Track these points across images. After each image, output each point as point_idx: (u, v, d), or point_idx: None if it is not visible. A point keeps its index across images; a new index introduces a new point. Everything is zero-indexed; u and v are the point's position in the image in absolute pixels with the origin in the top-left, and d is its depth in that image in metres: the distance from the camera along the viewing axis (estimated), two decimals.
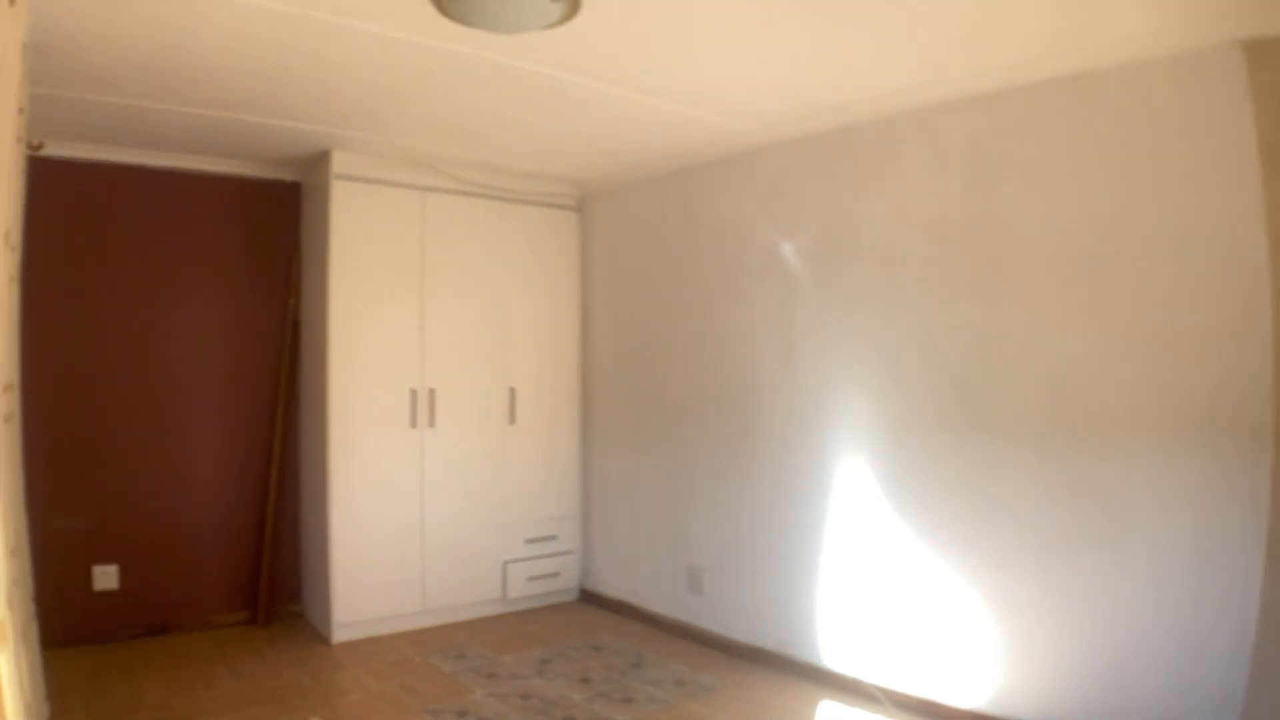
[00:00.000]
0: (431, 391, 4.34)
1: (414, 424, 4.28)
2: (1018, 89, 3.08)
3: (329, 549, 4.05)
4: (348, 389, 4.08)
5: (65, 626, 3.83)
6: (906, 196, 3.46)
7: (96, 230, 4.06)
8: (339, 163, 4.11)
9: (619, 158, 4.36)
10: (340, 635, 4.10)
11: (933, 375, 3.35)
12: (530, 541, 4.77)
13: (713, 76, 3.17)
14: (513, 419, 4.68)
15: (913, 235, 3.43)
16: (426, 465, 4.34)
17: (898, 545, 3.44)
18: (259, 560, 4.39)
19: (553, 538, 4.87)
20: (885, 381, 3.51)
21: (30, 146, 3.29)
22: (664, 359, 4.55)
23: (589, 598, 4.99)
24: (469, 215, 4.54)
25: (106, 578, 4.04)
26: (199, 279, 4.28)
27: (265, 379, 4.42)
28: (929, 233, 3.38)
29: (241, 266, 4.38)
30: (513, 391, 4.67)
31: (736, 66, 3.07)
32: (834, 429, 3.70)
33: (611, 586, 4.87)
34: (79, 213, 4.02)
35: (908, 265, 3.45)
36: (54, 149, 3.79)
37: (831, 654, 3.70)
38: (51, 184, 3.79)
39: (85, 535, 3.99)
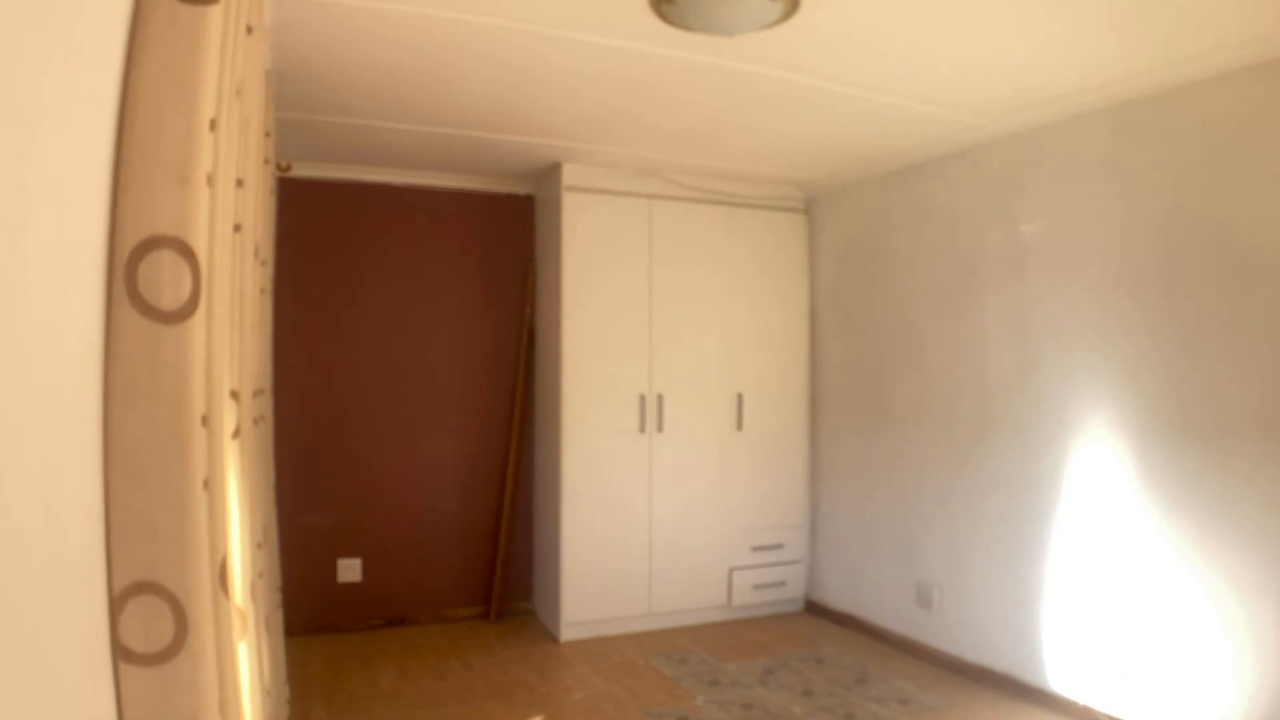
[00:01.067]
0: (660, 397, 4.37)
1: (642, 429, 4.32)
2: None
3: (560, 550, 4.18)
4: (580, 395, 4.20)
5: (310, 615, 4.21)
6: (1142, 191, 3.10)
7: (343, 245, 4.45)
8: (569, 175, 4.24)
9: (844, 157, 4.20)
10: (568, 634, 4.22)
11: (1179, 381, 2.96)
12: (756, 549, 4.69)
13: (937, 69, 2.98)
14: (740, 425, 4.62)
15: (1150, 231, 3.10)
16: (655, 470, 4.37)
17: (1145, 563, 3.06)
18: (493, 558, 4.62)
19: (779, 546, 4.76)
20: (1130, 386, 3.13)
21: (279, 168, 3.64)
22: (895, 363, 4.31)
23: (814, 608, 4.84)
24: (695, 222, 4.53)
25: (350, 570, 4.39)
26: (439, 290, 4.57)
27: (502, 385, 4.65)
28: (1166, 228, 3.04)
29: (480, 277, 4.63)
30: (740, 398, 4.61)
31: (960, 57, 2.88)
32: (1076, 437, 3.35)
33: (837, 598, 4.70)
34: (326, 229, 4.42)
35: (1149, 262, 3.09)
36: (301, 170, 4.19)
37: (1064, 679, 3.39)
38: (300, 202, 4.21)
39: (331, 531, 4.37)
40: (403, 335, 4.50)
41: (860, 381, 4.57)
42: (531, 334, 4.64)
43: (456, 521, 4.58)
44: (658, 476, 4.39)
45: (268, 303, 2.78)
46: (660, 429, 4.37)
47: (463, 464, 4.59)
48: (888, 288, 4.37)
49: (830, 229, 4.81)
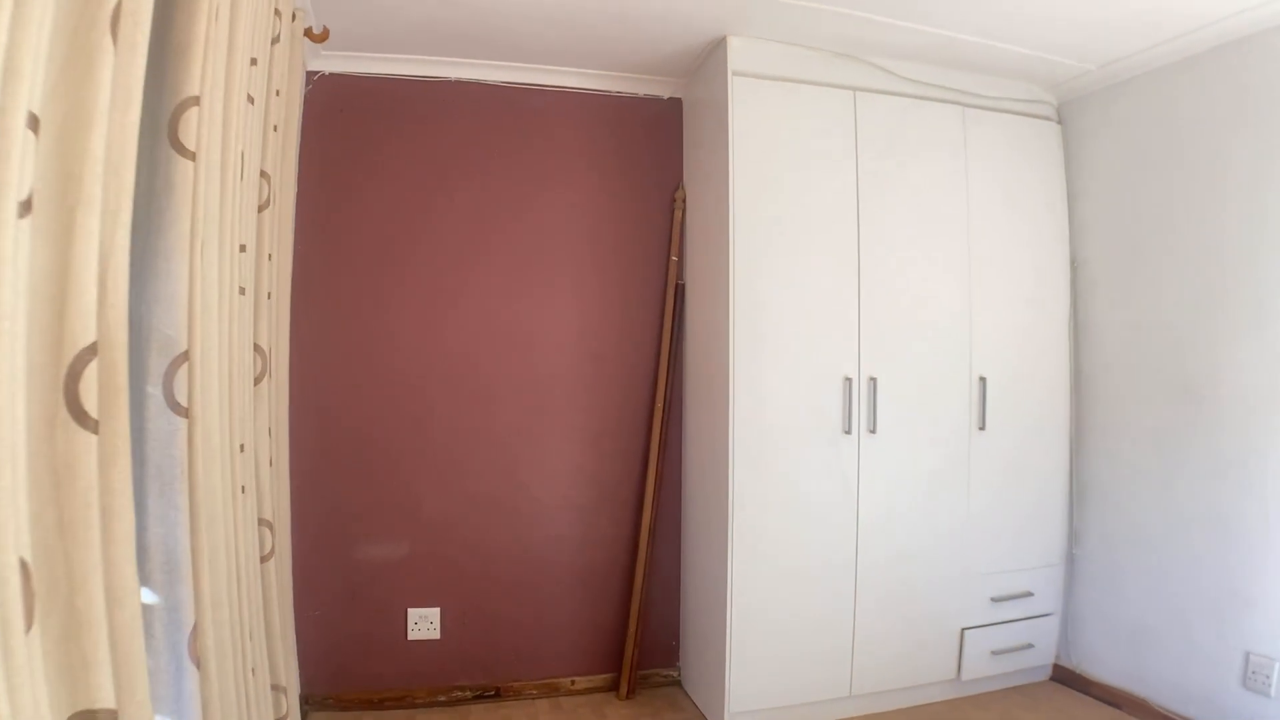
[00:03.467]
0: (872, 382, 2.96)
1: (848, 428, 2.93)
2: None
3: (726, 603, 2.83)
4: (756, 379, 2.82)
5: (372, 682, 2.99)
6: None
7: (408, 173, 3.12)
8: (737, 55, 2.87)
9: (1120, 32, 2.73)
10: None
11: None
12: (997, 601, 3.27)
13: None
14: (982, 423, 3.18)
15: None
16: (863, 488, 2.98)
17: None
18: (625, 611, 3.28)
19: (1026, 595, 3.33)
20: None
21: (310, 36, 2.47)
22: (1216, 331, 2.86)
23: (1068, 678, 3.42)
24: (917, 127, 3.11)
25: (425, 624, 3.12)
26: (544, 236, 3.22)
27: (637, 367, 3.28)
28: None
29: (602, 216, 3.27)
30: (982, 383, 3.18)
31: None
32: None
33: (1105, 667, 3.27)
34: (378, 148, 3.09)
35: None
36: (337, 59, 2.88)
37: None
38: (341, 107, 2.91)
39: (398, 568, 3.08)
40: (492, 301, 3.17)
41: (1154, 358, 3.11)
42: (680, 292, 3.25)
43: (573, 557, 3.25)
44: (868, 497, 2.99)
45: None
46: (873, 428, 2.96)
47: (582, 478, 3.25)
48: (1200, 220, 2.91)
49: (1099, 142, 3.33)
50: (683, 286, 3.22)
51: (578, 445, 3.22)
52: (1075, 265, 3.41)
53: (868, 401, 2.96)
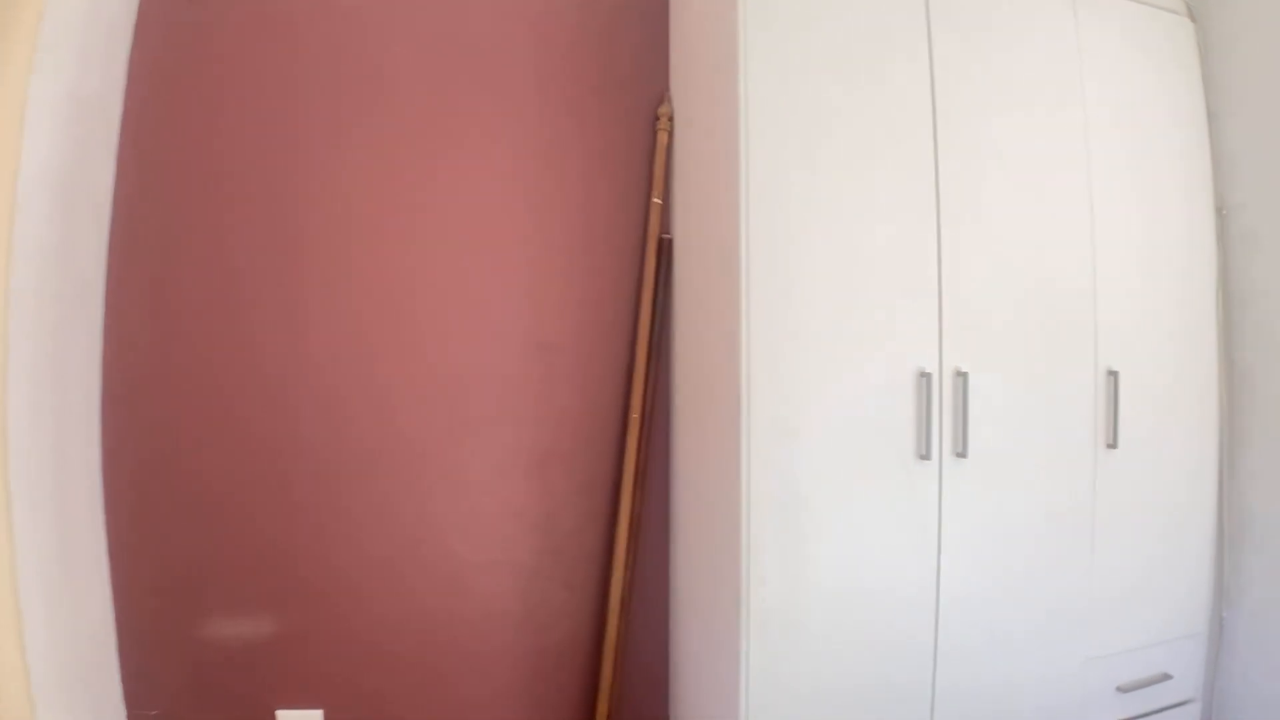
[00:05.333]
0: (961, 379, 1.95)
1: (925, 451, 1.91)
2: None
3: (739, 699, 1.79)
4: (781, 377, 1.80)
5: None
6: None
7: (278, 97, 2.09)
8: None
9: None
10: None
11: None
12: (1125, 691, 2.26)
13: None
14: (1113, 439, 2.18)
15: None
16: (946, 538, 1.96)
17: None
18: (593, 703, 2.24)
19: (1163, 679, 2.33)
20: None
21: None
22: None
23: None
24: (1015, 16, 2.09)
25: None
26: (477, 177, 2.16)
27: (603, 360, 2.23)
28: None
29: (556, 143, 2.20)
30: (1112, 379, 2.18)
31: None
32: None
33: None
34: (240, 66, 2.07)
35: None
36: None
37: None
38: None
39: (265, 655, 2.08)
40: (395, 273, 2.13)
41: None
42: (665, 250, 2.21)
43: (512, 639, 2.22)
44: (952, 551, 1.98)
45: None
46: (962, 450, 1.95)
47: (523, 523, 2.21)
48: None
49: (1252, 43, 2.35)
50: (668, 241, 2.18)
51: (517, 476, 2.18)
52: (1222, 213, 2.41)
53: (954, 408, 1.94)
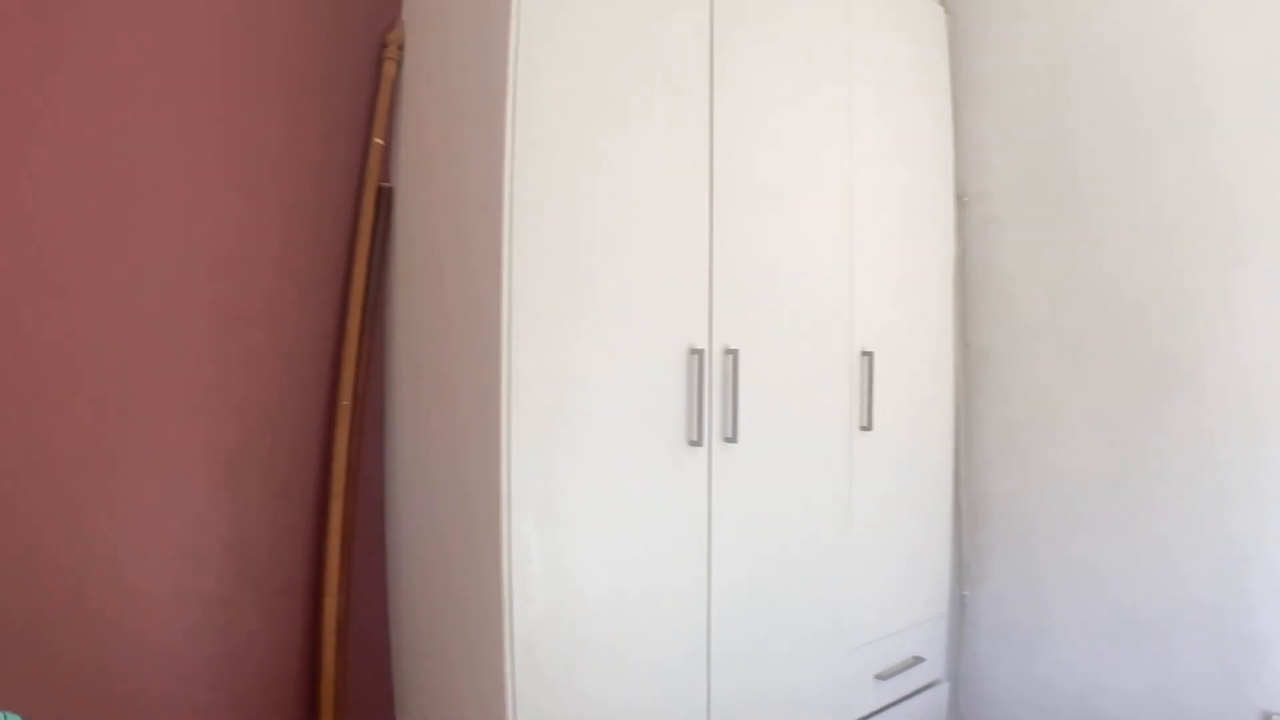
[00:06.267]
0: (733, 355, 1.77)
1: (696, 436, 1.71)
2: None
3: None
4: (550, 354, 1.50)
5: None
6: None
7: None
8: None
9: None
10: None
11: None
12: (883, 678, 2.22)
13: None
14: (867, 420, 2.11)
15: None
16: (717, 532, 1.78)
17: None
18: None
19: (916, 662, 2.32)
20: None
21: None
22: (1195, 294, 2.09)
23: None
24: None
25: None
26: (135, 93, 1.66)
27: (309, 335, 1.80)
28: None
29: (244, 63, 1.74)
30: (866, 361, 2.11)
31: None
32: None
33: None
34: None
35: None
36: None
37: None
38: None
39: None
40: (30, 215, 1.57)
41: (1100, 331, 2.24)
42: (384, 200, 1.82)
43: (207, 685, 1.73)
44: (724, 548, 1.80)
45: None
46: (733, 434, 1.77)
47: (209, 541, 1.73)
48: (1160, 139, 2.16)
49: (1008, 34, 2.43)
50: (389, 191, 1.81)
51: (199, 481, 1.71)
52: (962, 201, 2.46)
53: (724, 390, 1.76)
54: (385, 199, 1.77)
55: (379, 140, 1.76)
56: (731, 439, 1.77)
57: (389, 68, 1.79)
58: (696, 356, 1.70)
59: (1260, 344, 2.06)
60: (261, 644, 1.72)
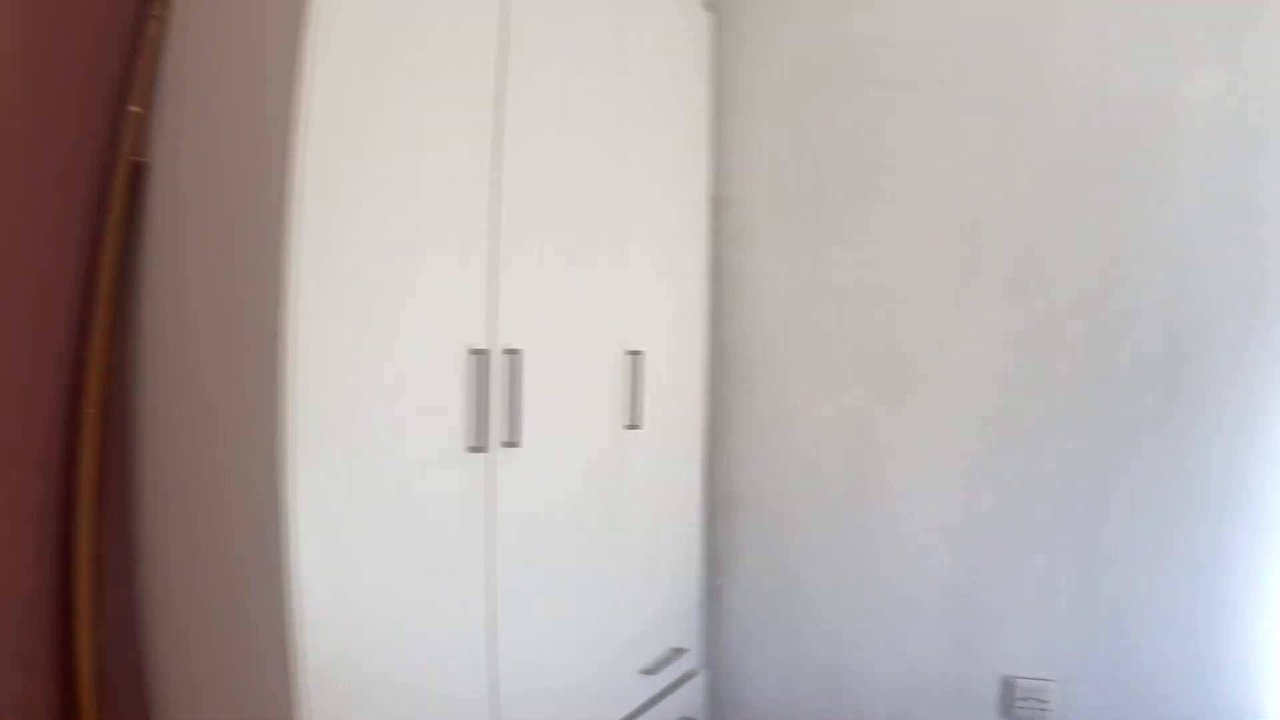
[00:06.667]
0: (513, 358, 1.70)
1: (479, 440, 1.63)
2: None
3: None
4: (333, 356, 1.35)
5: None
6: None
7: None
8: None
9: None
10: None
11: None
12: (649, 673, 2.26)
13: None
14: (635, 418, 2.14)
15: None
16: (502, 544, 1.71)
17: None
18: None
19: (680, 653, 2.39)
20: None
21: None
22: (941, 279, 2.39)
23: None
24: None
25: None
26: None
27: (42, 318, 1.50)
28: None
29: None
30: (634, 360, 2.13)
31: None
32: None
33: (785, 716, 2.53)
34: None
35: None
36: None
37: None
38: None
39: None
40: None
41: (845, 320, 2.45)
42: (137, 177, 1.55)
43: None
44: (508, 560, 1.74)
45: None
46: (515, 437, 1.71)
47: None
48: (917, 154, 2.39)
49: (772, 41, 2.56)
50: (144, 166, 1.55)
51: None
52: (719, 204, 2.56)
53: (506, 391, 1.70)
54: (139, 176, 1.52)
55: (135, 109, 1.50)
56: (513, 443, 1.70)
57: (152, 25, 1.53)
58: (478, 358, 1.62)
59: (990, 345, 2.33)
60: (13, 695, 1.41)
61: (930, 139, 2.38)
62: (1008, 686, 2.32)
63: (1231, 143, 2.17)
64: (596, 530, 2.03)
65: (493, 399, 1.64)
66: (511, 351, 1.69)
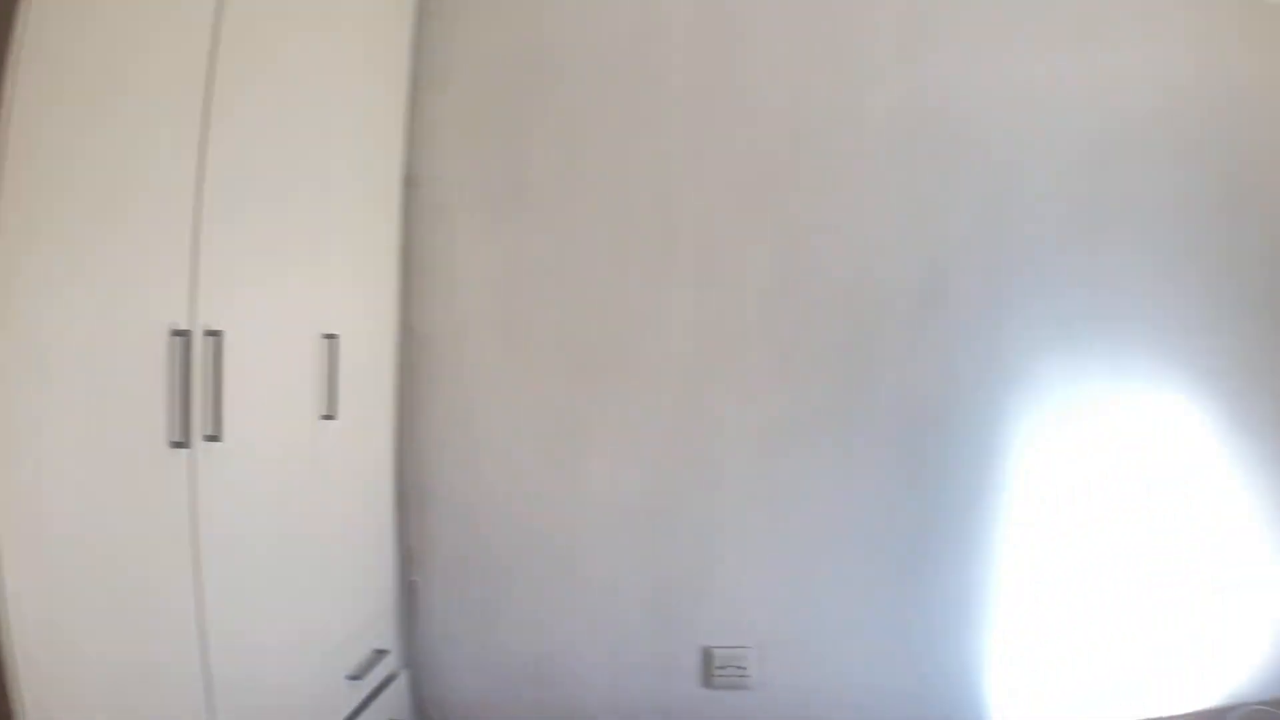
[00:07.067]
0: (215, 340, 1.52)
1: (182, 434, 1.43)
2: None
3: None
4: (22, 336, 1.11)
5: None
6: None
7: None
8: None
9: None
10: None
11: None
12: (354, 679, 2.14)
13: None
14: (332, 407, 2.00)
15: None
16: (206, 549, 1.52)
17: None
18: None
19: (381, 656, 2.28)
20: None
21: None
22: (638, 269, 2.51)
23: None
24: None
25: None
26: None
27: None
28: None
29: None
30: (330, 345, 2.00)
31: None
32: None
33: (493, 710, 2.50)
34: None
35: None
36: None
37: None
38: None
39: None
40: None
41: (543, 307, 2.50)
42: None
43: None
44: (213, 564, 1.55)
45: None
46: (217, 430, 1.53)
47: None
48: (631, 137, 2.47)
49: (475, 14, 2.52)
50: None
51: None
52: (413, 184, 2.47)
53: (209, 378, 1.51)
54: None
55: None
56: (215, 436, 1.52)
57: None
58: (180, 340, 1.42)
59: (683, 333, 2.48)
60: None
61: (631, 131, 2.48)
62: (707, 656, 2.49)
63: (909, 151, 2.52)
64: (295, 532, 1.87)
65: (194, 388, 1.45)
66: (213, 333, 1.50)
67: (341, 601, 2.07)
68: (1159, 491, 2.57)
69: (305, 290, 1.89)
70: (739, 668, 2.48)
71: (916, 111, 2.52)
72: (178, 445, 1.42)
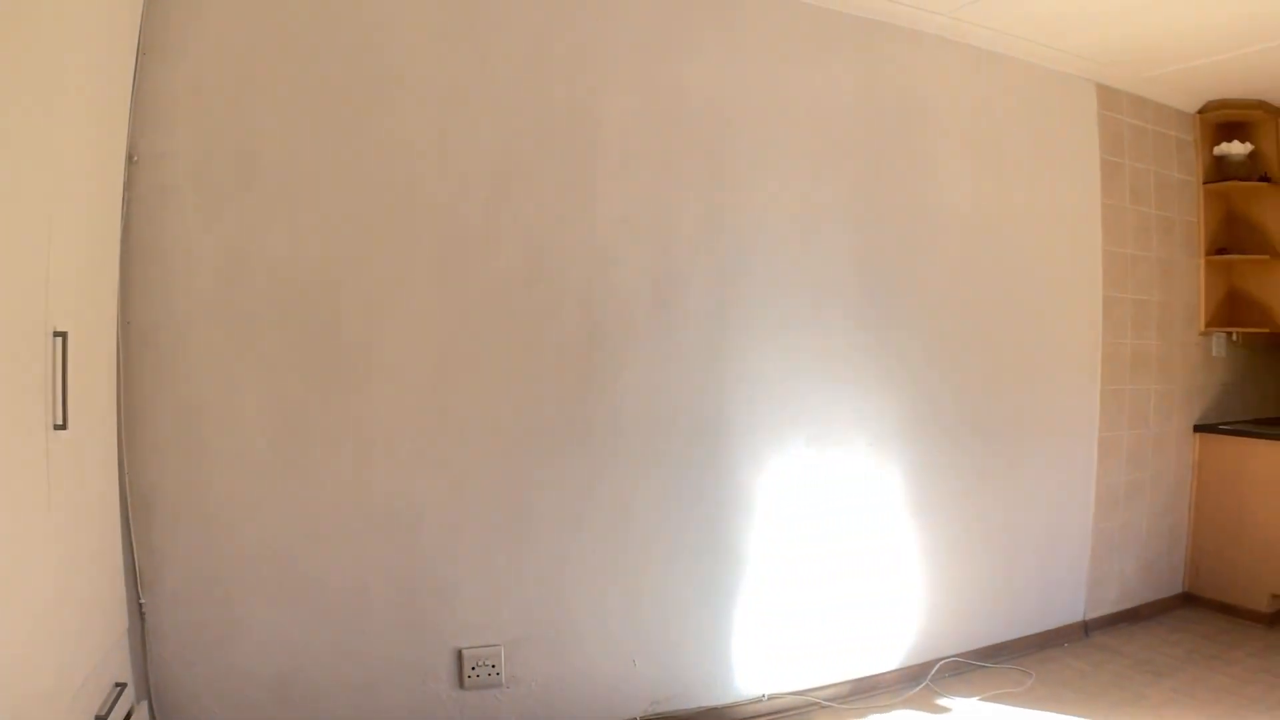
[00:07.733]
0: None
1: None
2: None
3: None
4: None
5: None
6: None
7: None
8: None
9: None
10: None
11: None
12: (102, 718, 1.90)
13: None
14: (61, 416, 1.74)
15: None
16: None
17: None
18: None
19: (121, 688, 2.04)
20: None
21: None
22: (379, 263, 2.43)
23: None
24: None
25: None
26: None
27: None
28: None
29: None
30: (59, 343, 1.74)
31: None
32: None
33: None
34: None
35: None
36: None
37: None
38: None
39: None
40: None
41: (275, 301, 2.33)
42: None
43: None
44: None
45: None
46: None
47: None
48: (352, 125, 2.38)
49: None
50: None
51: None
52: (134, 162, 2.19)
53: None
54: None
55: None
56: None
57: None
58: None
59: (425, 329, 2.42)
60: None
61: (373, 117, 2.36)
62: (460, 658, 2.48)
63: (643, 156, 2.63)
64: (23, 563, 1.61)
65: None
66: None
67: (86, 637, 1.81)
68: (857, 479, 3.04)
69: (32, 282, 1.62)
70: (491, 666, 2.51)
71: (650, 115, 2.67)
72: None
